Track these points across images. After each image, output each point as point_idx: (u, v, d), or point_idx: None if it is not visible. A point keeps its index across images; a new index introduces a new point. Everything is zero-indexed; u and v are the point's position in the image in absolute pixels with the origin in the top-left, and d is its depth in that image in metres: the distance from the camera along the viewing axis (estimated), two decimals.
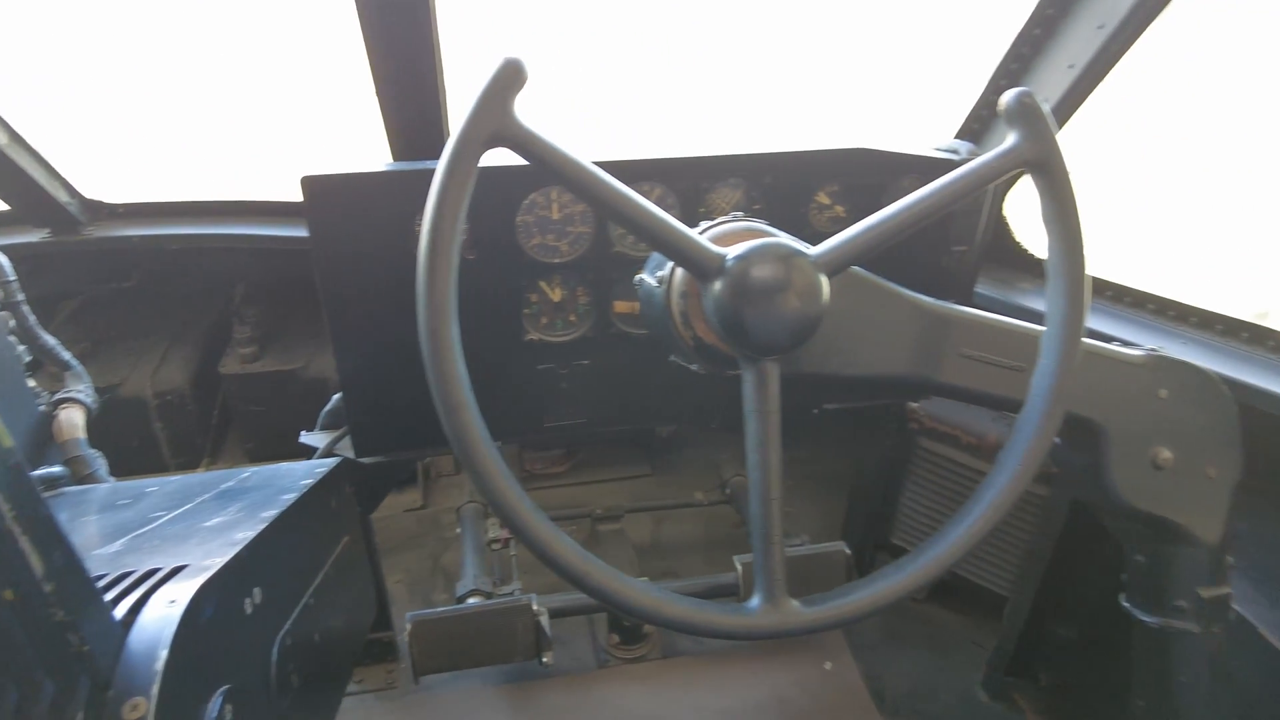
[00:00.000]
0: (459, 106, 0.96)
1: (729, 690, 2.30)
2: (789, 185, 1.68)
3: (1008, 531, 2.23)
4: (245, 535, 1.04)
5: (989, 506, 1.01)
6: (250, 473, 1.50)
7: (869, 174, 1.69)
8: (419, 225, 1.50)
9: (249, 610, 1.01)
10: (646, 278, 1.16)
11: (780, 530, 0.99)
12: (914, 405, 2.26)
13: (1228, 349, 1.85)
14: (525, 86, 0.90)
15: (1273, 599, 1.52)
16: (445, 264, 0.89)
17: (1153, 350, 1.22)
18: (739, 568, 2.07)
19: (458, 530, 2.47)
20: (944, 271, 1.80)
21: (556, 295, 1.66)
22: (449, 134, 1.73)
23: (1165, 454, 1.20)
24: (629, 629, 2.37)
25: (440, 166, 0.90)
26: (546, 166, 0.92)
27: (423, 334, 0.89)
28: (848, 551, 2.06)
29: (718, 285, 0.95)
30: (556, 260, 1.62)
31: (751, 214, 1.69)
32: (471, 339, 1.61)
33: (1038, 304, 2.10)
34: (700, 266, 0.97)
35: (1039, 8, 1.73)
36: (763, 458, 0.98)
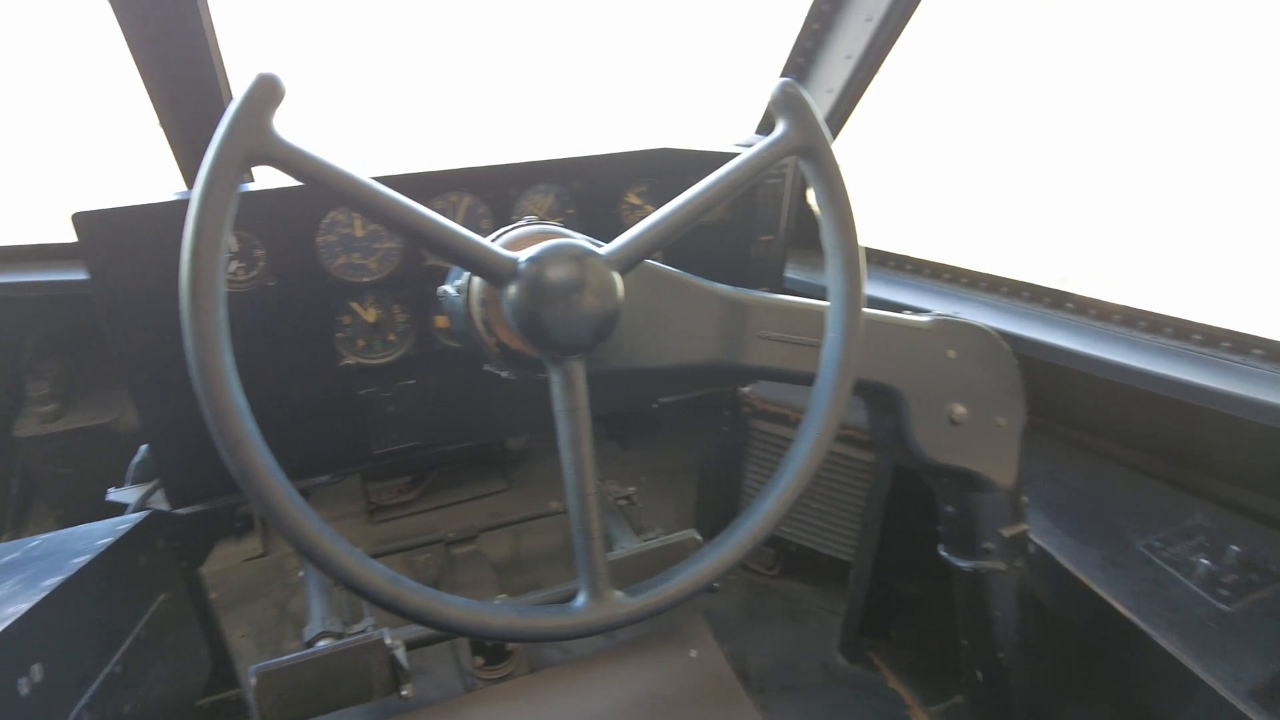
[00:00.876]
0: None
1: (600, 693, 2.29)
2: (599, 188, 1.70)
3: (842, 499, 2.35)
4: (16, 609, 0.95)
5: (793, 476, 1.05)
6: (40, 540, 1.37)
7: (674, 172, 1.74)
8: None
9: (25, 691, 0.92)
10: (448, 289, 1.15)
11: (599, 526, 1.00)
12: (745, 390, 2.34)
13: (1013, 308, 2.04)
14: (283, 101, 0.87)
15: (1064, 528, 1.68)
16: (209, 294, 0.84)
17: (939, 315, 1.31)
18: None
19: (301, 573, 2.35)
20: (754, 260, 1.88)
21: (371, 316, 1.61)
22: None
23: (959, 409, 1.30)
24: (492, 649, 2.33)
25: (195, 191, 0.85)
26: (314, 182, 0.89)
27: (193, 370, 0.84)
28: (699, 538, 2.10)
29: (513, 289, 0.95)
30: (366, 279, 1.57)
31: (565, 218, 1.71)
32: (280, 370, 1.55)
33: None
34: (493, 272, 0.96)
35: (815, 4, 1.84)
36: (575, 456, 0.99)
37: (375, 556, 2.42)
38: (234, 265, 1.47)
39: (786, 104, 1.05)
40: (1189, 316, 1.77)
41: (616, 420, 3.00)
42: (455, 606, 0.93)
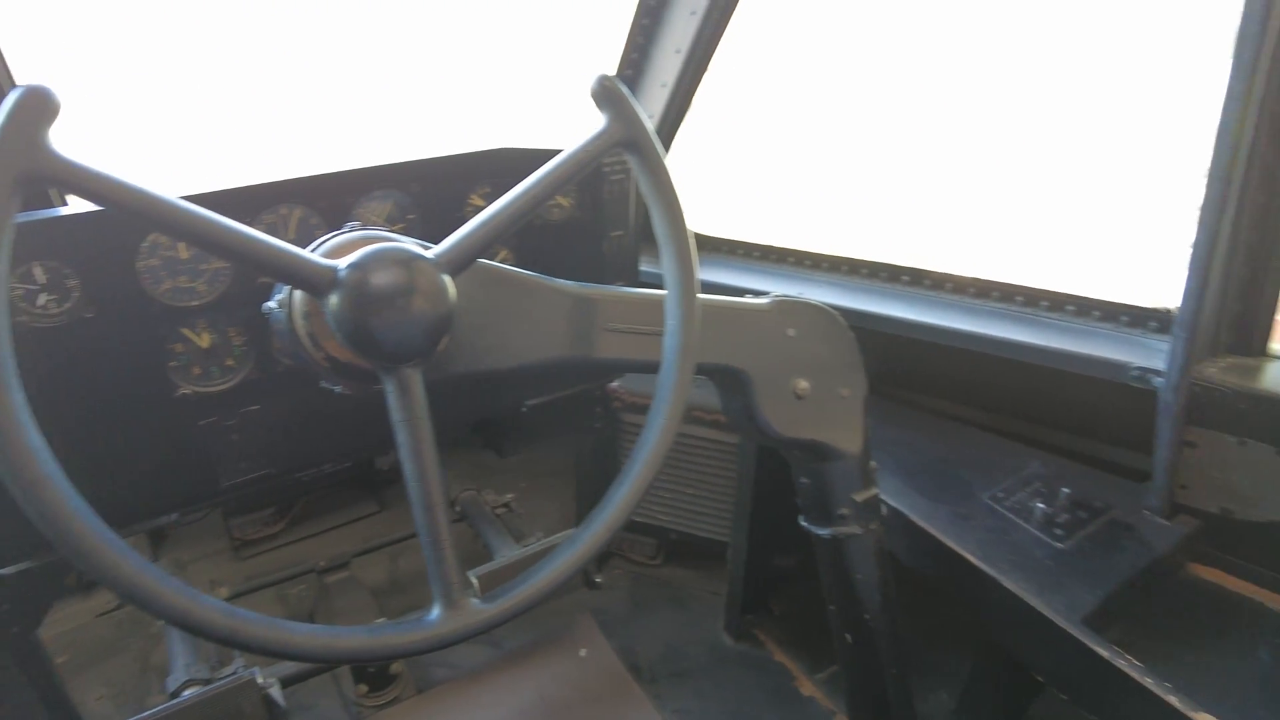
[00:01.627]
0: None
1: (492, 705, 2.26)
2: (440, 192, 1.67)
3: (715, 482, 2.40)
4: None
5: (643, 464, 1.06)
6: None
7: (518, 172, 1.71)
8: (15, 288, 1.31)
9: None
10: (272, 304, 1.09)
11: (449, 534, 0.98)
12: (614, 385, 2.35)
13: (852, 284, 2.14)
14: (59, 116, 0.80)
15: (915, 488, 1.78)
16: None
17: (778, 296, 1.36)
18: (474, 582, 2.04)
19: (160, 622, 2.20)
20: (607, 256, 1.89)
21: (205, 341, 1.52)
22: None
23: (803, 384, 1.34)
24: (375, 674, 2.26)
25: None
26: (103, 200, 0.82)
27: None
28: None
29: (334, 299, 0.91)
30: (196, 303, 1.48)
31: (406, 224, 1.67)
32: (109, 407, 1.44)
33: (706, 275, 2.28)
34: (312, 283, 0.91)
35: (642, 2, 1.87)
36: (417, 466, 0.96)
37: (243, 593, 2.28)
38: (43, 299, 1.36)
39: (606, 98, 1.06)
40: (1012, 280, 1.91)
41: (490, 428, 2.96)
42: (301, 634, 0.88)
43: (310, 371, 1.13)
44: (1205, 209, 1.37)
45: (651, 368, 1.22)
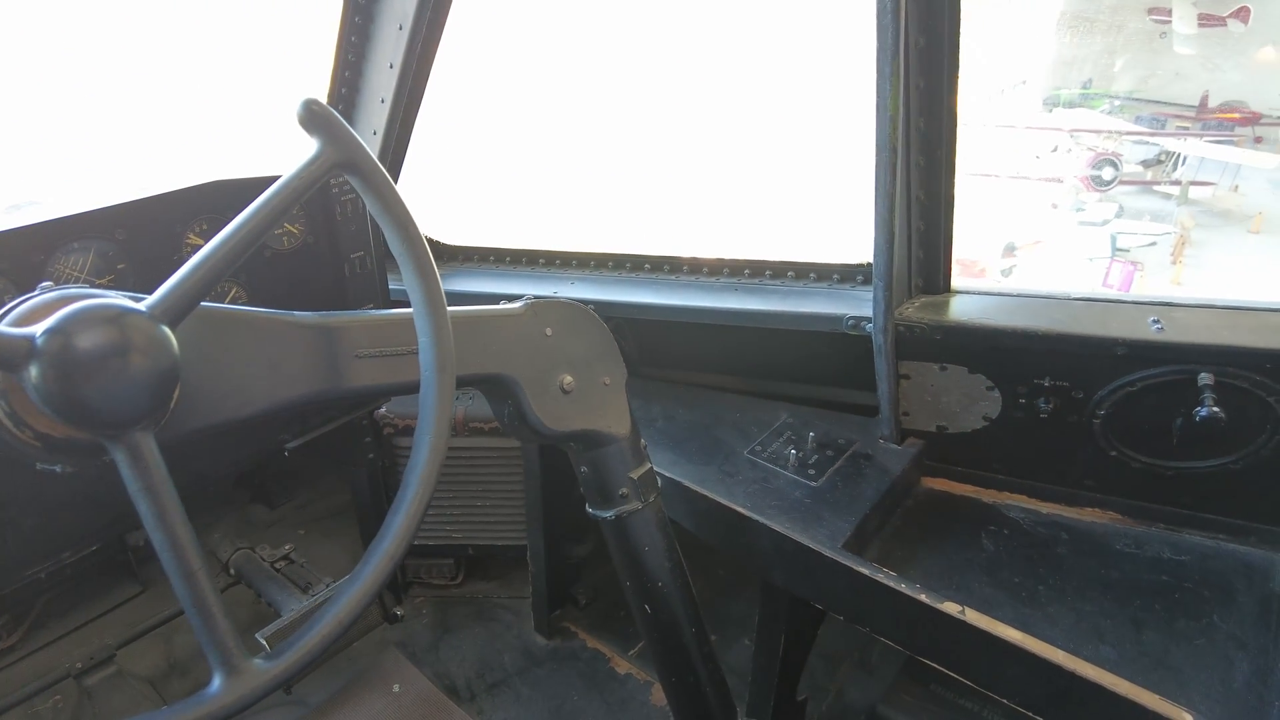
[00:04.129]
0: None
1: None
2: (152, 235, 1.54)
3: (504, 489, 2.41)
4: None
5: (417, 485, 1.06)
6: None
7: (236, 204, 1.62)
8: None
9: None
10: None
11: (216, 598, 0.92)
12: (381, 411, 2.29)
13: (602, 278, 2.24)
14: None
15: (685, 456, 1.90)
16: None
17: (529, 298, 1.39)
18: (264, 643, 1.91)
19: None
20: (348, 280, 1.83)
21: None
22: None
23: (567, 379, 1.40)
24: None
25: None
26: None
27: None
28: None
29: (34, 371, 0.81)
30: None
31: (116, 274, 1.52)
32: None
33: (464, 285, 2.27)
34: (3, 358, 0.82)
35: (345, 17, 1.82)
36: (167, 535, 0.89)
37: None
38: None
39: (314, 122, 1.01)
40: (739, 256, 2.09)
41: (254, 479, 2.76)
42: None
43: (19, 456, 1.01)
44: (878, 174, 1.59)
45: (413, 388, 1.21)
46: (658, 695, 2.36)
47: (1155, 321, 1.66)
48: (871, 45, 1.52)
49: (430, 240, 2.43)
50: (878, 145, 1.55)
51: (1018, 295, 1.88)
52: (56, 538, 1.51)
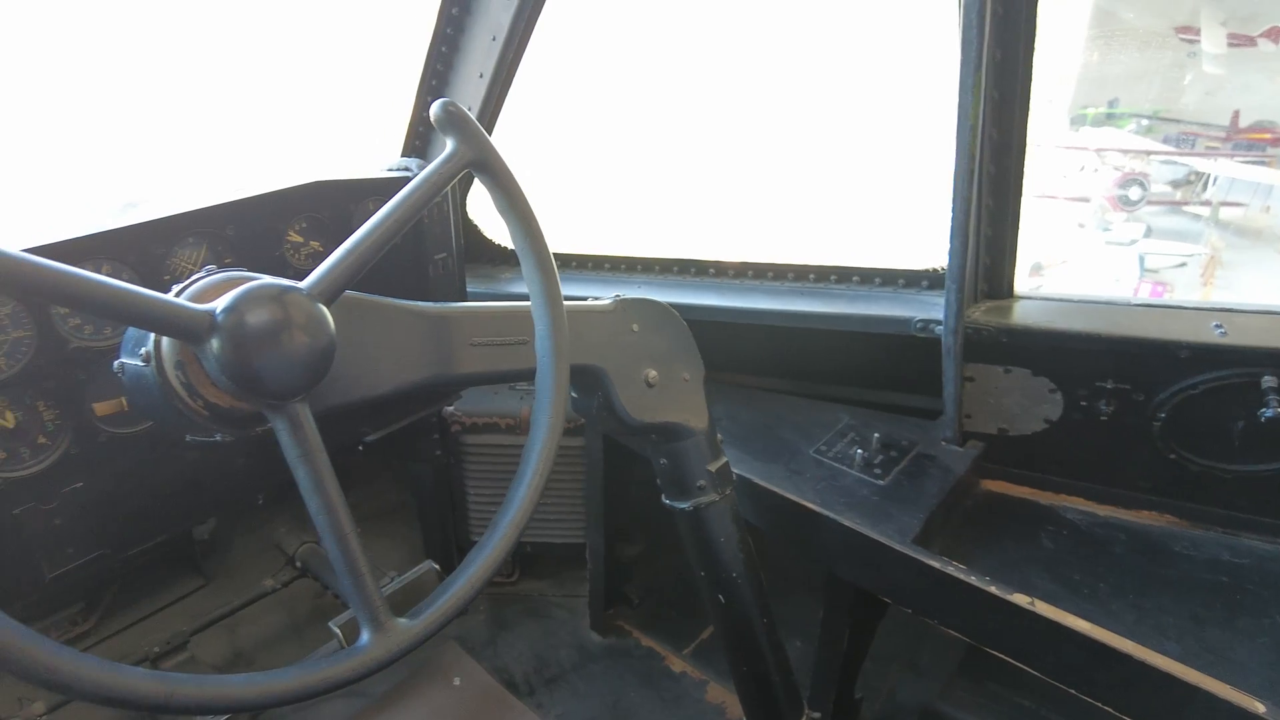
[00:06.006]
0: None
1: None
2: (255, 231, 1.62)
3: (564, 487, 2.48)
4: None
5: (538, 463, 1.13)
6: None
7: (332, 204, 1.72)
8: None
9: None
10: (128, 360, 1.03)
11: (365, 560, 0.99)
12: (449, 410, 2.36)
13: (667, 282, 2.31)
14: None
15: (750, 454, 1.96)
16: None
17: (616, 296, 1.47)
18: (337, 631, 1.97)
19: None
20: (433, 280, 1.91)
21: (10, 420, 1.38)
22: None
23: (652, 373, 1.47)
24: None
25: None
26: None
27: None
28: (436, 568, 2.09)
29: (215, 344, 0.89)
30: None
31: (223, 268, 1.60)
32: None
33: (523, 288, 2.35)
34: (188, 330, 0.88)
35: (439, 27, 1.91)
36: (323, 500, 0.96)
37: (56, 708, 2.06)
38: None
39: (450, 122, 1.10)
40: (803, 261, 2.15)
41: None
42: (240, 685, 0.87)
43: (171, 427, 1.08)
44: (956, 181, 1.65)
45: (515, 376, 1.29)
46: (713, 693, 2.41)
47: (1218, 326, 1.71)
48: (940, 57, 1.59)
49: (495, 245, 2.51)
50: (957, 153, 1.62)
51: (1080, 301, 1.93)
52: (153, 520, 1.59)
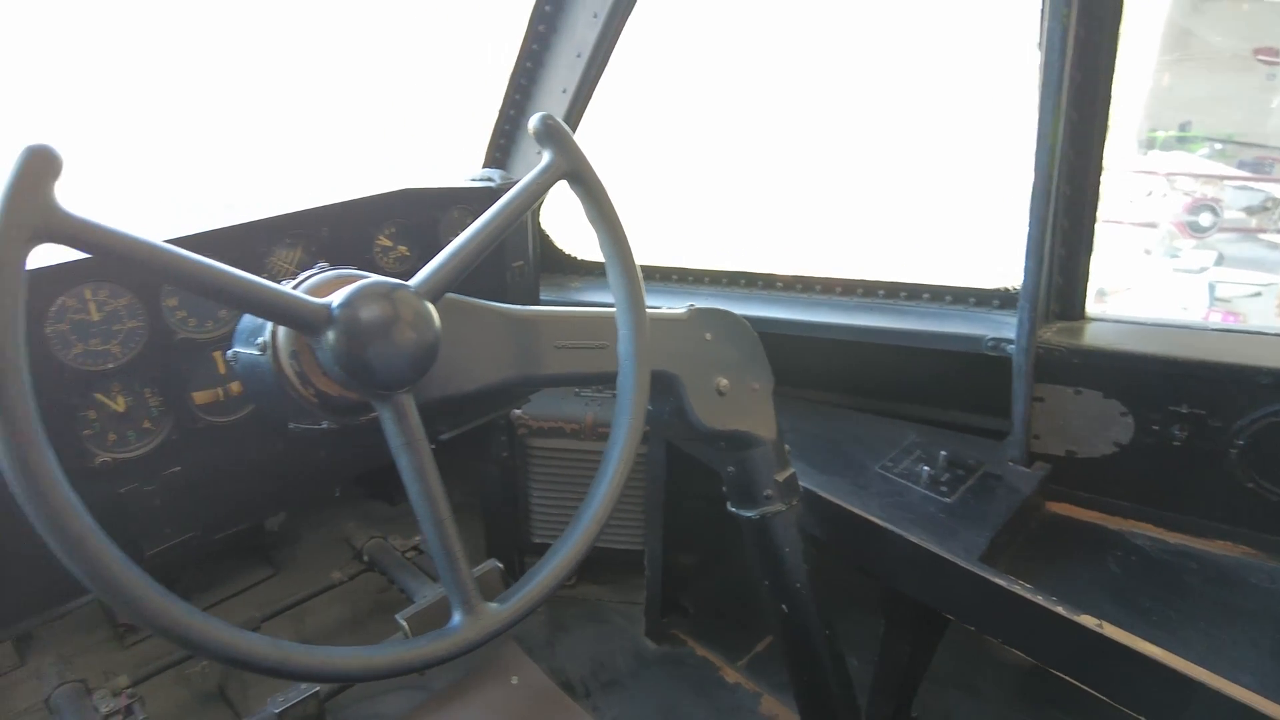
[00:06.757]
0: None
1: None
2: (348, 234, 1.70)
3: (624, 495, 2.51)
4: None
5: (619, 460, 1.17)
6: None
7: (420, 211, 1.79)
8: None
9: None
10: (242, 350, 1.10)
11: (460, 546, 1.04)
12: (517, 412, 2.43)
13: (734, 294, 2.35)
14: (62, 173, 0.82)
15: (815, 467, 1.98)
16: (18, 385, 0.78)
17: (692, 306, 1.51)
18: (404, 624, 2.04)
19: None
20: (509, 285, 1.98)
21: (120, 405, 1.47)
22: None
23: (723, 382, 1.50)
24: None
25: None
26: (112, 255, 0.83)
27: (13, 472, 0.78)
28: (500, 566, 2.14)
29: (331, 335, 0.95)
30: (110, 365, 1.43)
31: (335, 267, 1.69)
32: None
33: (594, 296, 2.41)
34: (307, 321, 0.95)
35: (525, 43, 1.98)
36: (424, 486, 1.01)
37: (140, 681, 2.16)
38: None
39: (549, 135, 1.16)
40: (873, 277, 2.17)
41: (377, 477, 2.93)
42: (344, 657, 0.93)
43: (278, 413, 1.15)
44: (1033, 201, 1.66)
45: (594, 379, 1.34)
46: (767, 706, 2.42)
47: None
48: (1014, 78, 1.60)
49: (564, 255, 2.58)
50: (1035, 173, 1.63)
51: (1154, 324, 1.91)
52: (238, 506, 1.68)
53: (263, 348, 1.04)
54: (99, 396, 1.44)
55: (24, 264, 0.80)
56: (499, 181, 1.95)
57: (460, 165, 2.23)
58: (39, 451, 0.79)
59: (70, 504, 0.80)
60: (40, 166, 0.80)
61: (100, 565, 0.79)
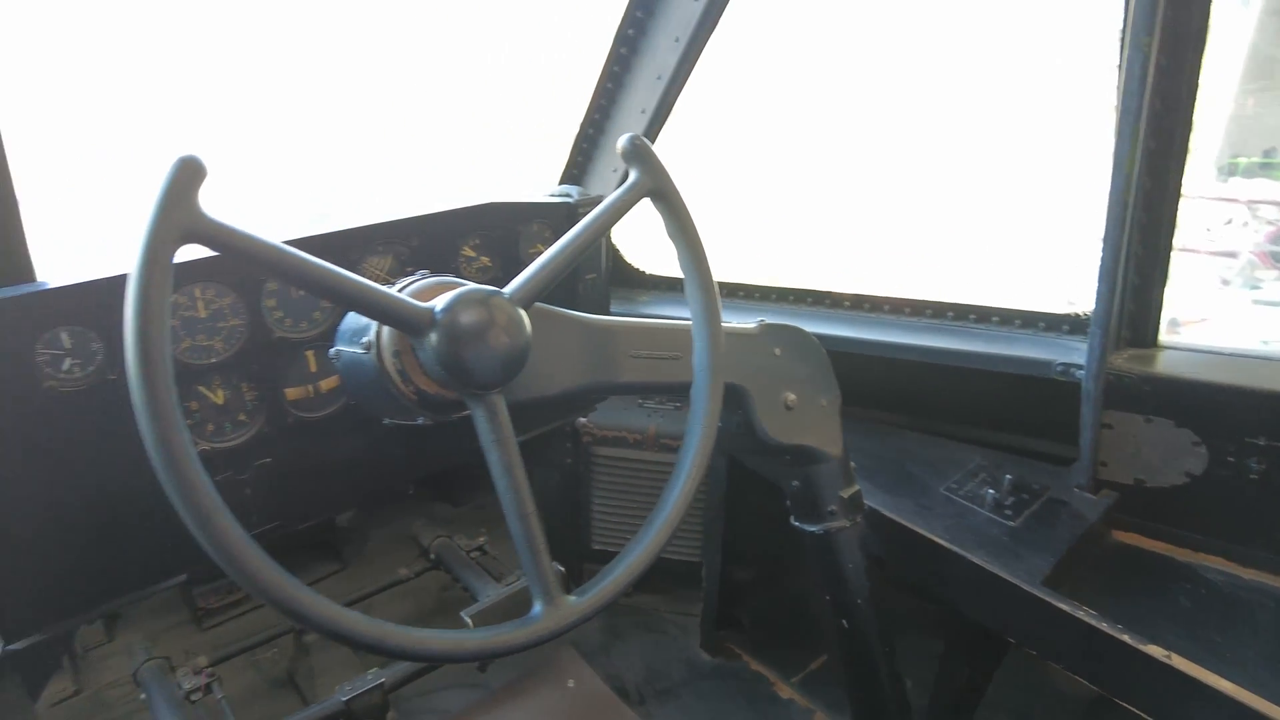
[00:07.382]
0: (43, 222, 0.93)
1: None
2: (435, 245, 1.78)
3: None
4: None
5: (692, 466, 1.22)
6: None
7: (503, 224, 1.87)
8: (41, 354, 1.34)
9: None
10: (345, 349, 1.19)
11: (543, 540, 1.10)
12: (583, 420, 2.49)
13: (800, 311, 2.38)
14: (206, 181, 0.91)
15: (879, 487, 1.99)
16: (162, 373, 0.87)
17: (762, 321, 1.55)
18: (468, 621, 2.10)
19: (142, 696, 2.14)
20: (582, 298, 2.05)
21: (220, 397, 1.57)
22: (28, 255, 1.54)
23: (791, 396, 1.53)
24: None
25: (135, 275, 0.87)
26: (245, 256, 0.93)
27: (154, 449, 0.86)
28: (562, 569, 2.20)
29: (433, 337, 1.03)
30: (213, 360, 1.54)
31: (435, 274, 1.78)
32: (129, 467, 1.47)
33: (661, 310, 2.47)
34: (412, 323, 1.03)
35: (607, 66, 2.06)
36: (511, 481, 1.08)
37: (215, 664, 2.27)
38: (68, 363, 1.40)
39: (635, 154, 1.23)
40: (942, 298, 2.18)
41: (442, 480, 3.01)
42: (435, 639, 0.99)
43: (376, 409, 1.23)
44: (1108, 228, 1.66)
45: (666, 388, 1.40)
46: None
47: None
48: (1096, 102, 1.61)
49: (632, 268, 2.64)
50: (1110, 199, 1.63)
51: (1230, 354, 1.88)
52: (318, 500, 1.76)
53: (367, 346, 1.12)
54: (201, 389, 1.54)
55: (171, 262, 0.89)
56: (576, 197, 2.02)
57: (540, 182, 2.32)
58: (180, 433, 0.87)
59: (204, 483, 0.88)
60: (189, 175, 0.89)
61: (227, 539, 0.87)
